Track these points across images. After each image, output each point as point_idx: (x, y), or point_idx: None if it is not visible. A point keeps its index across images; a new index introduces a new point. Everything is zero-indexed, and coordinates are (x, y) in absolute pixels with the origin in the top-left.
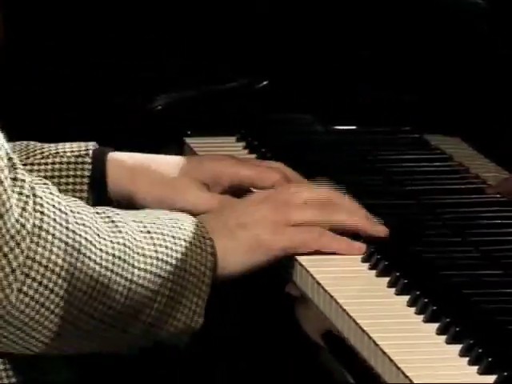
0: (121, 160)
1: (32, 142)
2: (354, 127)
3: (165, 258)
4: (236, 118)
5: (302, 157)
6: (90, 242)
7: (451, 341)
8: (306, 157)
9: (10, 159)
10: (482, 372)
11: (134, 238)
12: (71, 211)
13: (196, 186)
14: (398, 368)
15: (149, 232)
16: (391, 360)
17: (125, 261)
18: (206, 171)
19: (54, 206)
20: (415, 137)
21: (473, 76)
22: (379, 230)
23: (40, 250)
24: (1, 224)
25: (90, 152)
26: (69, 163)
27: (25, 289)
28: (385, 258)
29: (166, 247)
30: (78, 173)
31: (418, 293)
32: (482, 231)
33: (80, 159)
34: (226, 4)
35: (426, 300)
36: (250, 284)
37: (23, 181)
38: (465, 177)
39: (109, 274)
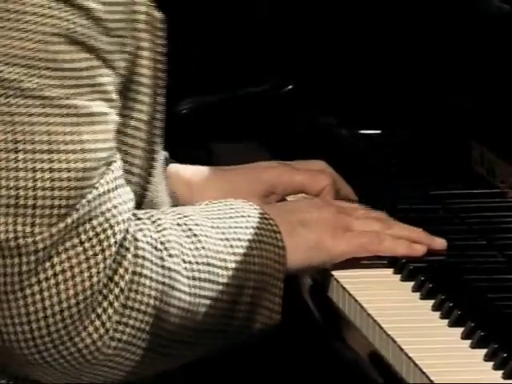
0: (177, 173)
1: None
2: (378, 131)
3: (245, 266)
4: (261, 123)
5: (327, 161)
6: (180, 274)
7: (476, 345)
8: (331, 161)
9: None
10: (506, 376)
11: (217, 251)
12: (162, 243)
13: (255, 193)
14: (423, 372)
15: (227, 239)
16: (416, 364)
17: (210, 280)
18: (262, 183)
19: (151, 245)
20: (439, 141)
21: (500, 81)
22: (438, 242)
23: (139, 297)
24: (98, 285)
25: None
26: None
27: (124, 338)
28: (410, 262)
29: (245, 254)
30: None
31: (442, 297)
32: (507, 235)
33: None
34: (251, 9)
35: (450, 304)
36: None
37: (127, 231)
38: (489, 181)
39: (197, 300)
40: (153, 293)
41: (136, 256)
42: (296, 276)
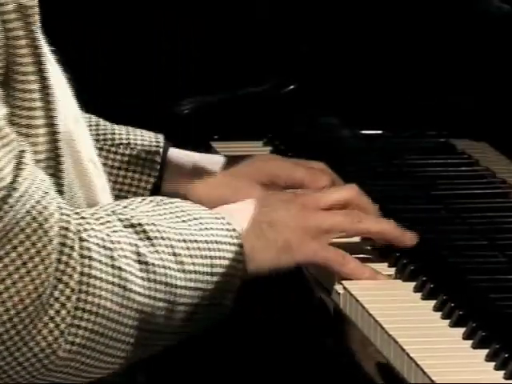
0: (179, 161)
1: (102, 122)
2: (380, 131)
3: (202, 269)
4: (263, 123)
5: (329, 161)
6: (133, 274)
7: (477, 346)
8: (332, 161)
9: (58, 206)
10: (508, 377)
11: (174, 253)
12: (112, 242)
13: (258, 187)
14: (425, 372)
15: (184, 241)
16: (417, 364)
17: (167, 284)
18: (263, 173)
19: (98, 244)
20: (442, 141)
21: (500, 80)
22: (408, 236)
23: (90, 298)
24: (45, 287)
25: (161, 151)
26: (138, 157)
27: (77, 340)
28: (411, 262)
29: (202, 256)
30: (146, 170)
31: (444, 297)
32: (508, 236)
33: (150, 156)
34: (251, 9)
35: (452, 305)
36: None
37: (67, 229)
38: (491, 181)
39: (152, 302)
40: (103, 293)
41: (82, 256)
42: (296, 275)
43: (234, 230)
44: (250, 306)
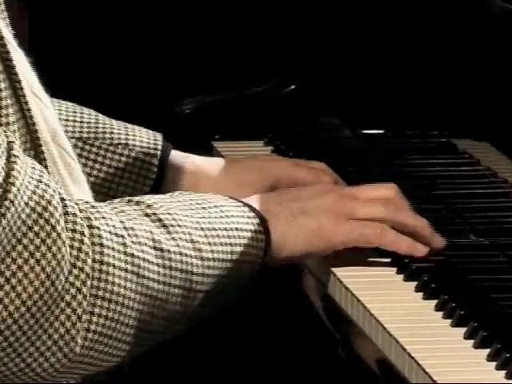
0: (181, 165)
1: (101, 118)
2: (381, 131)
3: (221, 256)
4: (264, 122)
5: (330, 161)
6: (148, 261)
7: (479, 345)
8: (333, 161)
9: (60, 196)
10: (509, 376)
11: (191, 240)
12: (126, 229)
13: (263, 186)
14: (426, 372)
15: (202, 229)
16: (418, 364)
17: (182, 270)
18: (268, 176)
19: (110, 232)
20: (443, 141)
21: (501, 80)
22: (437, 240)
23: (102, 284)
24: (59, 275)
25: (159, 153)
26: (136, 159)
27: (92, 327)
28: (412, 261)
29: (221, 244)
30: (143, 172)
31: (445, 297)
32: (510, 236)
33: (148, 158)
34: (251, 9)
35: (453, 304)
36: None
37: (74, 215)
38: (492, 181)
39: (168, 288)
40: (116, 280)
41: (93, 243)
42: (298, 274)
43: (254, 217)
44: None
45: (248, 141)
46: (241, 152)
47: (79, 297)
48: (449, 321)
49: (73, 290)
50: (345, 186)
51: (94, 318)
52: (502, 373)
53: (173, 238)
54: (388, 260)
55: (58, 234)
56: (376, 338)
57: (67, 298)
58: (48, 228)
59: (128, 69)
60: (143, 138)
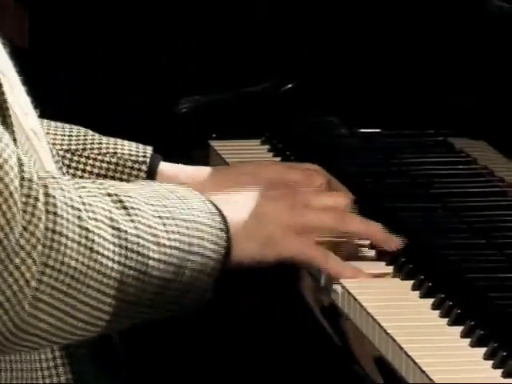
0: (172, 174)
1: (90, 132)
2: (378, 130)
3: (177, 245)
4: (261, 121)
5: (327, 160)
6: (103, 238)
7: (476, 344)
8: (330, 160)
9: (19, 160)
10: (506, 375)
11: (149, 225)
12: (83, 204)
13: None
14: (423, 371)
15: (160, 217)
16: (415, 363)
17: (139, 253)
18: (262, 180)
19: (66, 203)
20: (440, 140)
21: (498, 79)
22: (393, 241)
23: (53, 254)
24: (8, 235)
25: (148, 160)
26: (125, 166)
27: (39, 295)
28: (409, 261)
29: (179, 233)
30: (132, 179)
31: (442, 296)
32: (507, 234)
33: (137, 165)
34: (251, 9)
35: (450, 303)
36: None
37: (30, 180)
38: (489, 180)
39: (122, 268)
40: (68, 251)
41: (48, 211)
42: (295, 273)
43: (217, 214)
44: (242, 298)
45: (245, 140)
46: (237, 151)
47: (29, 261)
48: (445, 320)
49: (23, 253)
50: (338, 185)
51: (42, 287)
52: (499, 371)
53: (132, 221)
54: (385, 259)
55: (11, 194)
56: (373, 336)
57: (17, 260)
58: (0, 186)
59: (128, 69)
60: (132, 147)
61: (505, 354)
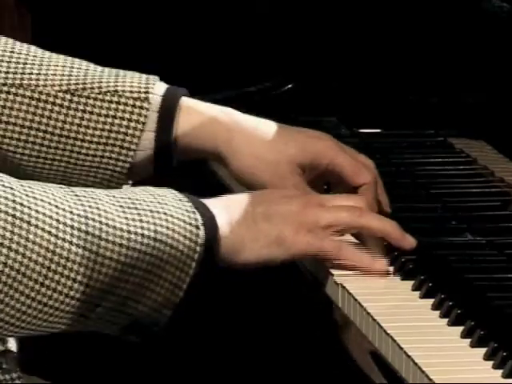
0: (209, 112)
1: (92, 67)
2: (378, 130)
3: (140, 231)
4: None
5: None
6: (43, 214)
7: (476, 344)
8: None
9: None
10: (506, 376)
11: (105, 210)
12: (22, 186)
13: (301, 163)
14: (423, 371)
15: (121, 206)
16: (415, 363)
17: (87, 232)
18: (308, 152)
19: (3, 185)
20: (440, 140)
21: (498, 79)
22: (407, 240)
23: None
24: None
25: (150, 96)
26: (126, 104)
27: None
28: (409, 261)
29: (141, 221)
30: (134, 117)
31: (442, 296)
32: (507, 234)
33: (138, 103)
34: (251, 8)
35: (450, 303)
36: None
37: None
38: (489, 180)
39: (67, 245)
40: (1, 223)
41: None
42: (295, 273)
43: (193, 212)
44: (240, 300)
45: None
46: None
47: None
48: (446, 320)
49: None
50: (382, 191)
51: None
52: (499, 372)
53: (81, 205)
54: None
55: None
56: (373, 337)
57: None
58: None
59: (128, 69)
60: (134, 82)
61: (505, 354)
